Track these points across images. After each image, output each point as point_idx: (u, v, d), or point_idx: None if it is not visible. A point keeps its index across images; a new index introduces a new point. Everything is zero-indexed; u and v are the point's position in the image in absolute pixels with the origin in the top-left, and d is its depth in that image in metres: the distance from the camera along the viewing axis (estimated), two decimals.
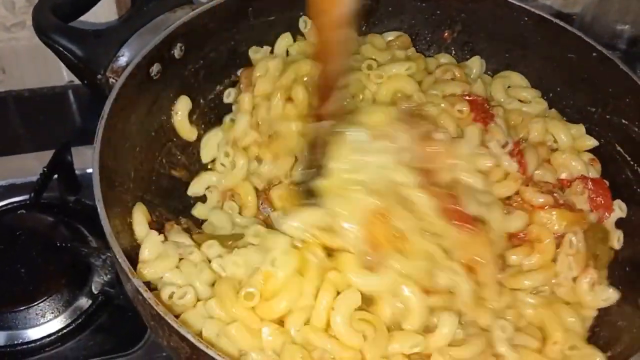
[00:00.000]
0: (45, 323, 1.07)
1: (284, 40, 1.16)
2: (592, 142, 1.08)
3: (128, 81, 0.94)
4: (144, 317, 0.79)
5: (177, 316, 0.81)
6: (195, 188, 1.07)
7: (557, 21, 1.09)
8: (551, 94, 1.14)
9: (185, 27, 1.03)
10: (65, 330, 1.07)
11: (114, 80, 0.96)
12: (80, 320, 1.08)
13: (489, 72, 1.20)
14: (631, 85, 1.01)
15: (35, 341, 1.06)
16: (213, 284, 0.86)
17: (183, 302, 0.84)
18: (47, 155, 1.23)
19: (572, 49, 1.08)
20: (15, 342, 1.05)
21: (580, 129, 1.09)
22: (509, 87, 1.16)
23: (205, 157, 1.10)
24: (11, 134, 1.40)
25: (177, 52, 1.04)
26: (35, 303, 1.07)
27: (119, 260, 0.75)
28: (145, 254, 0.86)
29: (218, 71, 1.13)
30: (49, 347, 1.06)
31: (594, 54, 1.06)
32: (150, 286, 0.87)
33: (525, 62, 1.16)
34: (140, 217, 0.92)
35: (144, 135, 1.02)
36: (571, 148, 1.06)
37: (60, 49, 0.98)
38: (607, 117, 1.07)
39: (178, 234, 0.91)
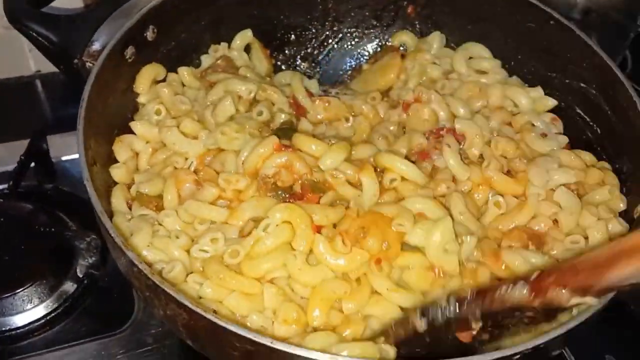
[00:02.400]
0: (32, 309, 1.08)
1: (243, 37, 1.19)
2: (552, 102, 1.13)
3: (105, 64, 0.96)
4: (138, 289, 0.82)
5: None
6: None
7: None
8: (512, 62, 1.19)
9: (157, 9, 1.05)
10: (52, 315, 1.08)
11: (90, 64, 0.97)
12: (66, 304, 1.09)
13: (452, 45, 1.24)
14: (588, 50, 1.07)
15: (22, 327, 1.06)
16: (188, 251, 0.90)
17: (173, 276, 0.86)
18: (16, 146, 1.24)
19: (532, 19, 1.13)
20: (3, 329, 1.06)
21: (538, 91, 1.14)
22: (470, 58, 1.21)
23: None
24: None
25: (149, 34, 1.06)
26: (21, 289, 1.08)
27: (112, 235, 0.77)
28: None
29: (190, 52, 1.15)
30: (36, 332, 1.07)
31: (552, 22, 1.11)
32: None
33: (487, 33, 1.20)
34: (119, 199, 0.95)
35: (121, 117, 1.04)
36: (532, 110, 1.11)
37: (35, 35, 0.98)
38: (567, 81, 1.12)
39: (140, 208, 0.94)
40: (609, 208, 0.97)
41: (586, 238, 0.94)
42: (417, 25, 1.27)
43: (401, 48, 1.25)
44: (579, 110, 1.11)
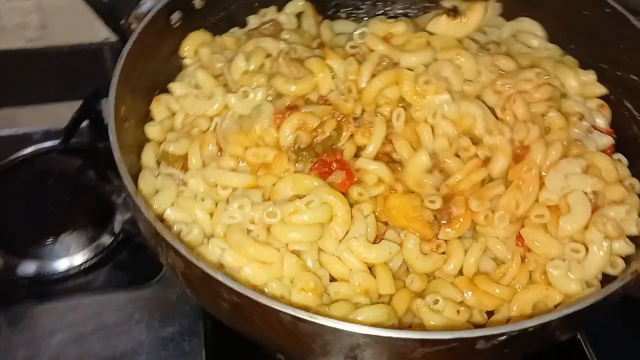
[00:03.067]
0: (70, 256, 1.15)
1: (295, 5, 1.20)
2: (601, 90, 1.08)
3: (148, 27, 1.00)
4: (147, 237, 0.85)
5: None
6: None
7: None
8: (565, 51, 1.15)
9: None
10: (88, 264, 1.15)
11: (135, 26, 1.01)
12: (102, 255, 1.16)
13: None
14: None
15: (61, 272, 1.13)
16: (210, 214, 0.92)
17: (191, 238, 0.90)
18: (76, 106, 1.30)
19: (586, 6, 1.09)
20: (44, 273, 1.13)
21: (590, 75, 1.09)
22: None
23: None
24: (50, 85, 1.48)
25: (197, 2, 1.09)
26: (62, 237, 1.15)
27: (124, 181, 0.81)
28: (142, 190, 0.92)
29: (239, 23, 1.17)
30: (73, 278, 1.14)
31: (607, 10, 1.06)
32: None
33: (539, 19, 1.17)
34: (149, 155, 0.98)
35: (164, 79, 1.08)
36: (580, 94, 1.06)
37: None
38: (618, 73, 1.07)
39: (167, 167, 0.97)
40: (619, 227, 0.92)
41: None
42: None
43: None
44: (627, 104, 1.06)
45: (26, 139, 1.31)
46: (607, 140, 1.02)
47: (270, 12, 1.18)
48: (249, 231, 0.89)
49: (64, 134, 1.25)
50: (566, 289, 0.89)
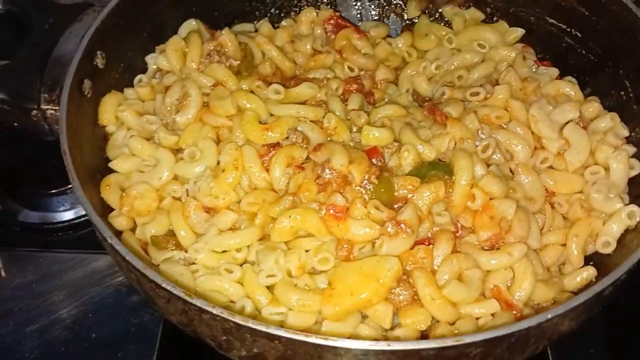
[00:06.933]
0: (72, 209, 1.11)
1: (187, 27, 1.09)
2: (520, 32, 1.11)
3: (69, 106, 0.84)
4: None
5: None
6: None
7: None
8: None
9: (100, 33, 0.94)
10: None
11: (53, 111, 0.85)
12: None
13: None
14: None
15: (62, 222, 1.11)
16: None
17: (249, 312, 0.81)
18: None
19: None
20: (47, 221, 1.11)
21: (502, 25, 1.12)
22: None
23: None
24: None
25: (99, 61, 0.95)
26: (64, 189, 1.11)
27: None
28: None
29: (140, 69, 1.04)
30: (73, 230, 1.11)
31: None
32: None
33: None
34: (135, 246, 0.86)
35: (98, 157, 0.94)
36: (502, 43, 1.09)
37: None
38: (532, 19, 1.10)
39: (160, 252, 0.88)
40: (616, 134, 0.95)
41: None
42: None
43: None
44: (551, 20, 1.09)
45: None
46: (555, 70, 1.05)
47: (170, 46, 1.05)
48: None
49: None
50: (610, 209, 0.89)
